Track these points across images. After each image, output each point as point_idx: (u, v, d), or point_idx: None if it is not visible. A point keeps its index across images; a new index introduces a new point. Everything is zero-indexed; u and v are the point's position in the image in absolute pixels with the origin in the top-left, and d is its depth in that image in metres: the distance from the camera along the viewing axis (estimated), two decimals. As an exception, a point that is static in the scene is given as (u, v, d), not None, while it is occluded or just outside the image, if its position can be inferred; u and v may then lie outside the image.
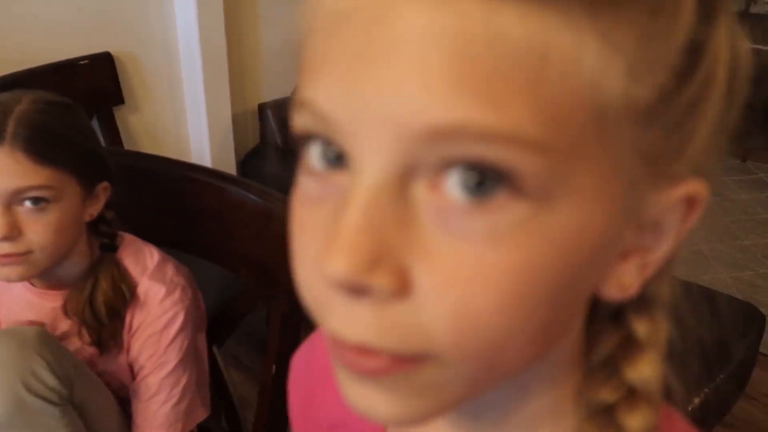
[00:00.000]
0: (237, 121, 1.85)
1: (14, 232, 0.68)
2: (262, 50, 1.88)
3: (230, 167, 1.87)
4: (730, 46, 0.24)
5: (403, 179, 0.22)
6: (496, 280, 0.21)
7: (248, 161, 1.89)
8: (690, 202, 0.25)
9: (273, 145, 1.86)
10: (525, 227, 0.21)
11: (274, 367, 0.83)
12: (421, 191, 0.22)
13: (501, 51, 0.19)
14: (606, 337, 0.30)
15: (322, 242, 0.22)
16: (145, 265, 0.81)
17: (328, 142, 0.24)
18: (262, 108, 1.88)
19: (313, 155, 0.25)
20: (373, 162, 0.22)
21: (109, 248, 0.80)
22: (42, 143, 0.70)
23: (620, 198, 0.23)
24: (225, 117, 1.81)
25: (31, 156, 0.68)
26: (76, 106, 0.77)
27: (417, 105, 0.20)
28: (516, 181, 0.20)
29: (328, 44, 0.22)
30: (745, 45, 0.25)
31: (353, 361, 0.24)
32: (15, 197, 0.69)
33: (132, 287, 0.79)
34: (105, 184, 0.78)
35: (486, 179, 0.21)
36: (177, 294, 0.79)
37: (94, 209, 0.78)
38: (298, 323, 0.83)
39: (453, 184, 0.21)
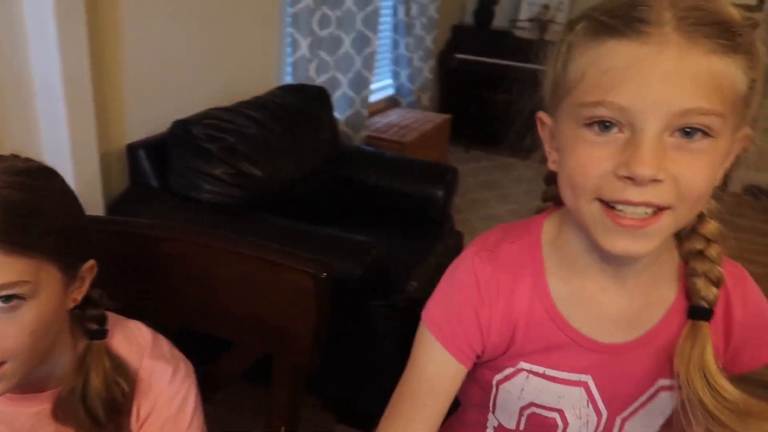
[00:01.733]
0: (103, 162, 1.68)
1: None
2: (126, 88, 1.73)
3: (98, 212, 1.69)
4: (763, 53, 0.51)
5: (662, 133, 0.49)
6: (706, 165, 0.50)
7: (119, 204, 1.72)
8: (746, 136, 0.54)
9: (146, 186, 1.72)
10: (709, 148, 0.50)
11: (282, 427, 0.80)
12: (668, 138, 0.49)
13: (709, 78, 0.47)
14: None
15: (619, 161, 0.50)
16: (140, 344, 0.71)
17: (611, 121, 0.50)
18: (131, 148, 1.73)
19: (595, 128, 0.51)
20: (652, 126, 0.49)
21: (98, 335, 0.68)
22: (14, 229, 0.56)
23: (731, 128, 0.52)
24: (92, 159, 1.63)
25: (1, 247, 0.55)
26: (52, 171, 0.65)
27: (678, 101, 0.48)
28: (708, 131, 0.49)
29: (619, 71, 0.49)
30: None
31: (632, 222, 0.50)
32: None
33: (131, 375, 0.68)
34: (91, 263, 0.66)
35: (693, 132, 0.49)
36: (182, 369, 0.71)
37: (79, 293, 0.66)
38: (302, 377, 0.81)
39: (680, 134, 0.49)
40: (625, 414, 0.63)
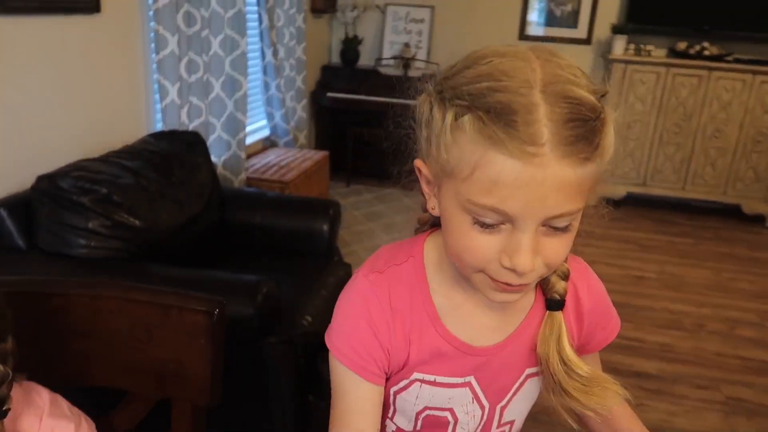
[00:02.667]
0: (-41, 226, 1.55)
1: None
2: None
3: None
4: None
5: (537, 228, 0.56)
6: (568, 242, 0.59)
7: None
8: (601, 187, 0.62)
9: (12, 248, 1.61)
10: (571, 229, 0.58)
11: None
12: (540, 228, 0.56)
13: (574, 185, 0.54)
14: None
15: (502, 251, 0.57)
16: (39, 406, 0.69)
17: (496, 220, 0.56)
18: (-9, 208, 1.61)
19: (485, 220, 0.56)
20: (530, 227, 0.56)
21: (2, 414, 0.64)
22: None
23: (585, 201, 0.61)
24: (-55, 224, 1.50)
25: None
26: None
27: (552, 209, 0.55)
28: (572, 222, 0.57)
29: (505, 186, 0.54)
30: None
31: (509, 288, 0.59)
32: None
33: None
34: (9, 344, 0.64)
35: (564, 225, 0.57)
36: (84, 425, 0.69)
37: None
38: (203, 418, 0.81)
39: (553, 228, 0.57)
40: (503, 403, 0.72)
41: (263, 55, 3.33)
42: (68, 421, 0.69)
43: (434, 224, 0.72)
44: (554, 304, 0.68)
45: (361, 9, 4.37)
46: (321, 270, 2.08)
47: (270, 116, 3.57)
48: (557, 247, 0.58)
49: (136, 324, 0.78)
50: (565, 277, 0.68)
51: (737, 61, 4.01)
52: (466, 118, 0.54)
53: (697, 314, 2.91)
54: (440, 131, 0.57)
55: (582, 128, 0.53)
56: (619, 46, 4.11)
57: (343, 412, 0.66)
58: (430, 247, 0.69)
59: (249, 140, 3.22)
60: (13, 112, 1.72)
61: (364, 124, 4.09)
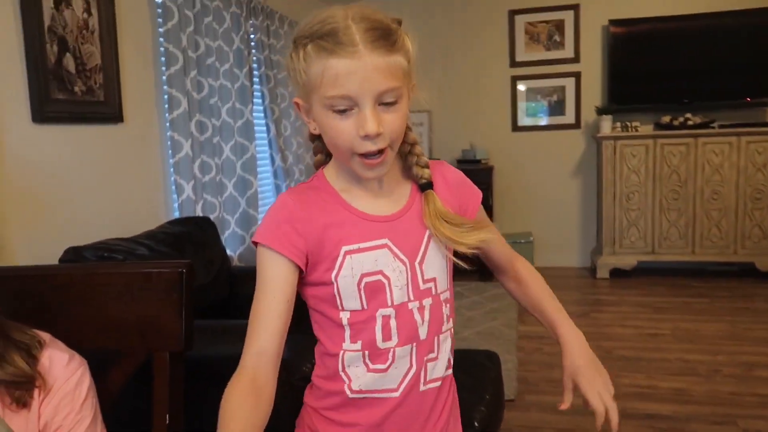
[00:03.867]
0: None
1: None
2: (12, 216, 1.89)
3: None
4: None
5: (375, 105, 0.81)
6: (401, 116, 0.83)
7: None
8: (414, 86, 0.89)
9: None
10: (400, 106, 0.83)
11: (167, 417, 0.93)
12: (378, 107, 0.81)
13: (387, 68, 0.81)
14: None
15: (357, 128, 0.81)
16: (41, 339, 0.86)
17: (345, 106, 0.81)
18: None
19: (338, 107, 0.81)
20: (367, 103, 0.81)
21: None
22: None
23: (406, 89, 0.85)
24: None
25: None
26: None
27: (377, 86, 0.80)
28: (397, 98, 0.83)
29: (342, 77, 0.80)
30: None
31: (373, 161, 0.84)
32: None
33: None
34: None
35: (391, 101, 0.82)
36: (77, 358, 0.87)
37: None
38: (180, 369, 0.96)
39: (384, 105, 0.82)
40: (418, 259, 0.91)
41: (272, 160, 3.69)
42: (63, 352, 0.86)
43: (324, 152, 0.96)
44: (425, 185, 0.92)
45: (364, 119, 4.80)
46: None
47: (283, 216, 3.85)
48: (394, 119, 0.82)
49: (123, 290, 0.96)
50: (426, 166, 0.93)
51: (721, 126, 4.24)
52: (310, 47, 0.81)
53: (711, 361, 2.88)
54: (298, 64, 0.83)
55: (379, 32, 0.80)
56: (606, 125, 4.40)
57: (260, 287, 0.85)
58: (328, 171, 0.94)
59: (263, 236, 3.47)
60: (51, 206, 2.01)
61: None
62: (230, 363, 0.81)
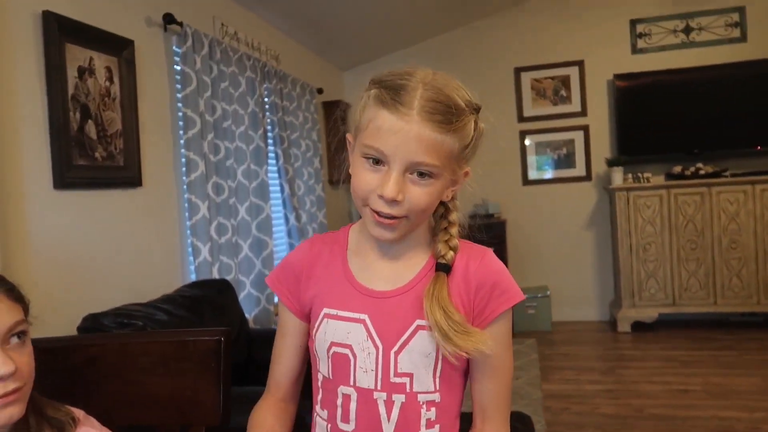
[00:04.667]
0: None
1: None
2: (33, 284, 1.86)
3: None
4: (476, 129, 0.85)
5: (404, 172, 0.80)
6: (428, 193, 0.81)
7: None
8: (467, 173, 0.88)
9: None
10: (431, 183, 0.81)
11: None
12: (408, 175, 0.81)
13: (431, 144, 0.79)
14: (438, 213, 0.91)
15: (378, 185, 0.80)
16: (74, 416, 0.82)
17: (377, 158, 0.81)
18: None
19: (370, 161, 0.82)
20: (397, 167, 0.80)
21: None
22: None
23: (449, 171, 0.84)
24: None
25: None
26: None
27: (413, 156, 0.79)
28: (430, 174, 0.81)
29: (384, 131, 0.80)
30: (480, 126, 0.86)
31: (383, 221, 0.81)
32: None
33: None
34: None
35: (425, 174, 0.80)
36: None
37: None
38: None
39: (417, 175, 0.81)
40: (395, 348, 0.84)
41: (287, 220, 3.68)
42: (97, 430, 0.81)
43: None
44: (441, 266, 0.86)
45: (375, 177, 4.83)
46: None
47: (298, 276, 3.81)
48: (419, 194, 0.81)
49: (157, 361, 0.92)
50: (454, 249, 0.88)
51: (733, 175, 4.23)
52: (374, 92, 0.82)
53: (750, 419, 2.76)
54: (359, 103, 0.84)
55: (441, 107, 0.79)
56: (618, 177, 4.40)
57: (278, 327, 0.94)
58: (356, 225, 0.94)
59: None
60: (69, 272, 1.98)
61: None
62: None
